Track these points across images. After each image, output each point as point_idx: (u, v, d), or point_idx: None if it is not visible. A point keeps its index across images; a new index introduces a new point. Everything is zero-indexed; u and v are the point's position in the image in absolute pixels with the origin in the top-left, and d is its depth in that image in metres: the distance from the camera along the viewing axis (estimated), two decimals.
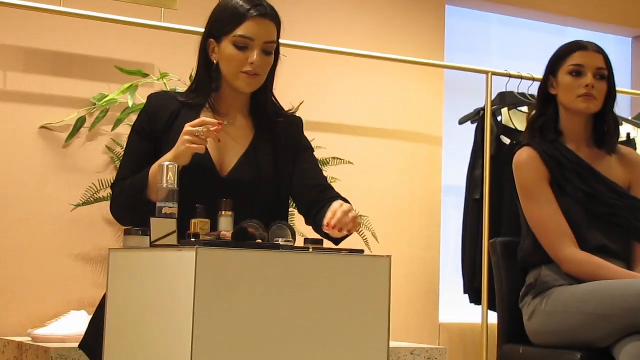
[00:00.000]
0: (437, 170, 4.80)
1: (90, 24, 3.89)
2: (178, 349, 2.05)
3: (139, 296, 2.26)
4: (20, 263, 3.83)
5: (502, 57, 5.17)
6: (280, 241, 2.23)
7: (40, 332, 3.56)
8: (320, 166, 2.82)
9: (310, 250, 2.21)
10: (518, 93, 4.54)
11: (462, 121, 4.64)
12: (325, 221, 2.35)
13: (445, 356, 4.02)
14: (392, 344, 3.39)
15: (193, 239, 2.17)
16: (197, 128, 2.44)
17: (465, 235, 4.51)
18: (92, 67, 4.01)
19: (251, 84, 2.62)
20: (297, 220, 2.94)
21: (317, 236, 2.39)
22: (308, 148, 2.77)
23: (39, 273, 3.86)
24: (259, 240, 2.21)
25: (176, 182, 2.28)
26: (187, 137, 2.44)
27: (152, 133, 2.63)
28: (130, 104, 3.80)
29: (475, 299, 4.44)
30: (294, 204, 2.77)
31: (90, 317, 2.76)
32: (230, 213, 2.33)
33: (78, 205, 3.83)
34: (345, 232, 2.38)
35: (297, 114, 2.82)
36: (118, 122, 3.87)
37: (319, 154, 3.11)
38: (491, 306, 4.25)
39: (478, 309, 4.42)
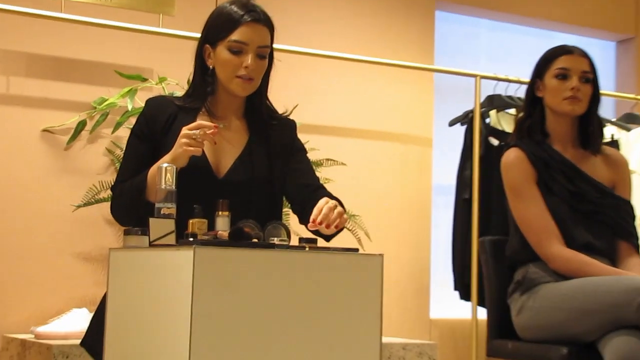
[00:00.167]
0: (428, 170, 4.81)
1: (91, 29, 3.89)
2: (176, 345, 2.05)
3: (139, 294, 2.26)
4: (23, 262, 3.83)
5: (490, 61, 5.18)
6: (276, 240, 2.24)
7: (42, 329, 3.55)
8: (313, 167, 2.82)
9: (306, 249, 2.21)
10: (506, 96, 4.55)
11: (451, 123, 4.64)
12: (312, 217, 2.35)
13: (436, 351, 4.02)
14: (385, 340, 3.39)
15: (191, 239, 2.17)
16: (194, 131, 2.44)
17: (455, 233, 4.52)
18: (92, 72, 4.01)
19: (246, 88, 2.62)
20: (292, 219, 2.94)
21: (312, 235, 2.39)
22: (301, 149, 2.77)
23: (41, 272, 3.85)
24: (255, 240, 2.21)
25: (174, 184, 2.28)
26: (184, 140, 2.44)
27: (150, 136, 2.63)
28: (130, 107, 3.80)
29: (465, 295, 4.45)
30: (289, 204, 2.78)
31: (92, 314, 2.76)
32: (227, 213, 2.33)
33: (79, 206, 3.82)
34: (332, 229, 2.38)
35: (291, 117, 2.83)
36: (118, 125, 3.87)
37: (312, 156, 3.11)
38: (480, 302, 4.25)
39: (468, 305, 4.43)
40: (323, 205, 2.36)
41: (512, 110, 4.54)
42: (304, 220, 2.64)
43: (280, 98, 2.88)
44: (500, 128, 4.50)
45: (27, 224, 3.84)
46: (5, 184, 3.82)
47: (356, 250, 2.27)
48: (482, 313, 3.71)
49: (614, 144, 4.50)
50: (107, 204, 2.87)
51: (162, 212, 2.25)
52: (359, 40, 4.65)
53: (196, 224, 2.25)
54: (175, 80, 3.89)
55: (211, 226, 2.30)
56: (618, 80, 5.63)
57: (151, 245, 2.22)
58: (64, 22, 3.79)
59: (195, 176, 2.50)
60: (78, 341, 2.80)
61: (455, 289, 4.49)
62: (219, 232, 2.27)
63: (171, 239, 2.21)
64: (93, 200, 3.82)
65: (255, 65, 2.59)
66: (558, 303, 2.99)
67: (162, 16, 3.94)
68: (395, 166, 4.71)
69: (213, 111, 2.67)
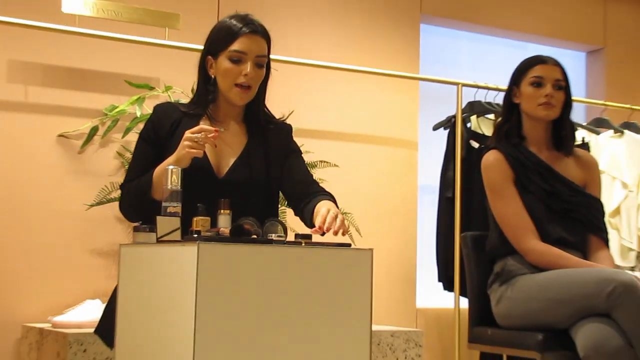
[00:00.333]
0: (414, 171, 4.80)
1: (102, 42, 3.88)
2: (182, 332, 2.04)
3: (147, 286, 2.26)
4: (41, 257, 3.82)
5: (471, 70, 5.17)
6: (273, 236, 2.23)
7: (59, 319, 3.54)
8: (307, 167, 2.82)
9: (302, 244, 2.21)
10: (485, 102, 4.54)
11: (435, 127, 4.64)
12: (317, 225, 2.34)
13: (422, 338, 4.02)
14: (374, 327, 3.39)
15: (195, 235, 2.17)
16: (196, 135, 2.44)
17: (439, 229, 4.51)
18: (104, 81, 4.00)
19: (243, 98, 2.62)
20: (289, 217, 2.93)
21: (307, 231, 2.39)
22: (296, 151, 2.77)
23: (57, 266, 3.84)
24: (254, 236, 2.21)
25: (180, 184, 2.27)
26: (186, 143, 2.44)
27: (156, 140, 2.62)
28: (138, 114, 3.79)
29: (449, 286, 4.44)
30: (285, 200, 2.77)
31: (104, 305, 2.75)
32: (228, 211, 2.33)
33: (92, 205, 3.81)
34: (335, 234, 2.37)
35: (287, 122, 2.82)
36: (127, 130, 3.86)
37: (307, 158, 3.09)
38: (462, 293, 4.25)
39: (451, 295, 4.42)
40: (326, 214, 2.35)
41: (491, 116, 4.53)
42: (298, 212, 2.64)
43: (277, 104, 2.88)
44: (480, 132, 4.50)
45: (44, 222, 3.83)
46: (24, 185, 3.81)
47: (348, 245, 2.27)
48: (464, 303, 3.70)
49: (585, 146, 4.50)
50: (118, 203, 2.86)
51: (168, 210, 2.24)
52: (351, 51, 4.65)
53: (200, 222, 2.24)
54: (181, 88, 3.89)
55: (214, 223, 2.30)
56: (588, 88, 5.64)
57: (158, 241, 2.22)
58: (78, 36, 3.78)
59: (198, 176, 2.49)
60: (92, 330, 2.80)
61: (440, 280, 4.49)
62: (221, 229, 2.27)
63: (177, 236, 2.21)
64: (105, 200, 3.81)
65: (254, 74, 2.59)
66: (534, 293, 2.99)
67: (168, 30, 3.94)
68: (384, 167, 4.71)
69: (214, 117, 2.66)
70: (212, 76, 2.64)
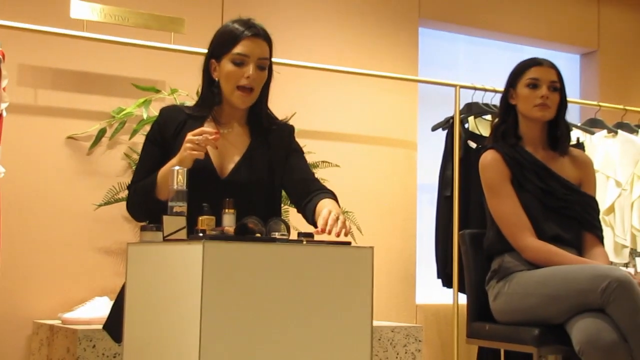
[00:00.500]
0: (413, 171, 4.80)
1: (110, 47, 3.88)
2: (188, 328, 2.04)
3: (154, 284, 2.25)
4: (51, 256, 3.82)
5: (469, 72, 5.17)
6: (277, 235, 2.23)
7: (68, 315, 3.55)
8: (309, 165, 2.81)
9: (304, 242, 2.21)
10: (482, 103, 4.54)
11: (434, 128, 4.63)
12: (320, 227, 2.33)
13: (421, 333, 4.02)
14: (375, 323, 3.38)
15: (200, 234, 2.17)
16: (197, 137, 2.44)
17: (438, 227, 4.51)
18: (111, 85, 4.00)
19: (245, 101, 2.62)
20: (291, 216, 2.93)
21: (309, 229, 2.38)
22: (298, 150, 2.76)
23: (67, 264, 3.85)
24: (258, 234, 2.21)
25: (185, 184, 2.27)
26: (188, 145, 2.43)
27: (162, 141, 2.62)
28: (145, 116, 3.79)
29: (447, 283, 4.44)
30: (287, 197, 2.77)
31: (112, 302, 2.75)
32: (232, 211, 2.33)
33: (100, 205, 3.82)
34: (337, 235, 2.36)
35: (290, 123, 2.82)
36: (134, 132, 3.86)
37: (309, 158, 3.09)
38: (461, 289, 4.25)
39: (449, 291, 4.42)
40: (327, 215, 2.35)
41: (488, 117, 4.53)
42: (300, 210, 2.63)
43: (280, 106, 2.87)
44: (478, 132, 4.50)
45: (53, 221, 3.83)
46: (34, 185, 3.81)
47: (349, 243, 2.27)
48: (463, 299, 3.70)
49: (580, 146, 4.50)
50: (125, 203, 2.86)
51: (174, 210, 2.24)
52: (352, 54, 4.65)
53: (205, 221, 2.24)
54: (186, 91, 3.89)
55: (218, 222, 2.29)
56: (582, 89, 5.64)
57: (165, 240, 2.22)
58: (86, 41, 3.78)
59: (201, 177, 2.49)
60: (100, 326, 2.80)
61: (439, 277, 4.48)
62: (226, 227, 2.26)
63: (183, 234, 2.21)
64: (112, 200, 3.81)
65: (256, 76, 2.59)
66: (530, 289, 2.99)
67: (174, 34, 3.93)
68: (384, 167, 4.70)
69: (218, 119, 2.66)
70: (216, 79, 2.63)
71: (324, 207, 2.41)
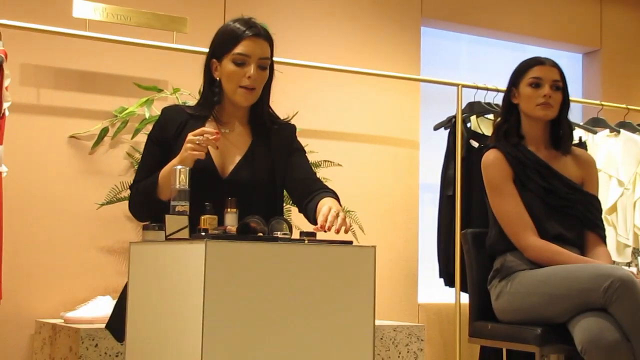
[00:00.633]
0: (415, 170, 4.80)
1: (112, 46, 3.88)
2: (190, 327, 2.04)
3: (156, 283, 2.25)
4: (53, 254, 3.82)
5: (471, 72, 5.16)
6: (279, 234, 2.23)
7: (71, 314, 3.55)
8: (310, 165, 2.81)
9: (306, 242, 2.21)
10: (485, 103, 4.54)
11: (436, 127, 4.63)
12: (319, 223, 2.33)
13: (423, 332, 4.02)
14: (377, 322, 3.38)
15: (203, 233, 2.17)
16: (198, 137, 2.44)
17: (440, 226, 4.50)
18: (113, 84, 4.00)
19: (248, 98, 2.61)
20: (293, 215, 2.93)
21: (311, 228, 2.38)
22: (300, 149, 2.76)
23: (69, 263, 3.85)
24: (260, 234, 2.21)
25: (187, 184, 2.27)
26: (189, 145, 2.44)
27: (163, 141, 2.62)
28: (147, 115, 3.79)
29: (449, 282, 4.44)
30: (289, 197, 2.76)
31: (115, 301, 2.75)
32: (235, 210, 2.33)
33: (102, 204, 3.82)
34: (337, 232, 2.36)
35: (292, 122, 2.81)
36: (136, 132, 3.86)
37: (311, 157, 3.09)
38: (463, 288, 4.24)
39: (452, 290, 4.42)
40: (327, 213, 2.34)
41: (491, 116, 4.53)
42: (302, 209, 2.63)
43: (282, 106, 2.87)
44: (480, 132, 4.49)
45: (56, 220, 3.84)
46: (36, 185, 3.81)
47: (350, 242, 2.27)
48: (465, 298, 3.70)
49: (582, 145, 4.49)
50: (127, 203, 2.86)
51: (176, 209, 2.24)
52: (354, 53, 4.65)
53: (207, 220, 2.24)
54: (188, 90, 3.89)
55: (220, 222, 2.29)
56: (585, 88, 5.63)
57: (167, 239, 2.22)
58: (88, 40, 3.77)
59: (202, 177, 2.49)
60: (103, 325, 2.80)
61: (441, 276, 4.48)
62: (228, 227, 2.26)
63: (185, 234, 2.21)
64: (115, 199, 3.81)
65: (257, 75, 2.59)
66: (533, 289, 2.98)
67: (176, 33, 3.93)
68: (386, 166, 4.70)
69: (220, 118, 2.66)
70: (217, 78, 2.63)
71: (325, 204, 2.41)
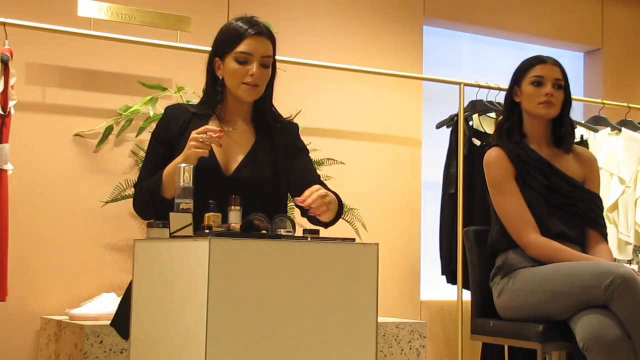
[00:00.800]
0: (417, 168, 4.79)
1: (116, 45, 3.88)
2: (195, 323, 2.04)
3: (161, 280, 2.25)
4: (58, 252, 3.82)
5: (473, 70, 5.16)
6: (282, 231, 2.23)
7: (76, 311, 3.55)
8: (314, 165, 2.81)
9: (309, 239, 2.21)
10: (487, 101, 4.53)
11: (438, 126, 4.63)
12: (302, 197, 2.33)
13: (425, 329, 4.02)
14: (380, 319, 3.38)
15: (207, 230, 2.17)
16: (201, 135, 2.43)
17: (442, 224, 4.50)
18: (118, 82, 4.00)
19: (251, 94, 2.61)
20: (296, 212, 2.92)
21: (314, 227, 2.38)
22: (303, 149, 2.76)
23: (74, 260, 3.85)
24: (264, 231, 2.21)
25: (191, 181, 2.27)
26: (192, 143, 2.43)
27: (167, 140, 2.62)
28: (151, 113, 3.79)
29: (452, 279, 4.44)
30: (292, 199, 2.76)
31: (119, 298, 2.75)
32: (238, 207, 2.32)
33: (107, 202, 3.82)
34: (320, 214, 2.35)
35: (295, 121, 2.81)
36: (141, 130, 3.87)
37: (314, 156, 3.09)
38: (465, 285, 4.24)
39: (454, 288, 4.42)
40: (315, 190, 2.34)
41: (493, 114, 4.52)
42: (305, 213, 2.62)
43: (285, 104, 2.87)
44: (482, 130, 4.49)
45: (61, 218, 3.84)
46: (41, 183, 3.81)
47: (353, 240, 2.26)
48: (467, 295, 3.70)
49: (584, 143, 4.49)
50: (132, 201, 2.86)
51: (180, 206, 2.24)
52: (357, 52, 4.64)
53: (211, 217, 2.24)
54: (192, 89, 3.89)
55: (224, 219, 2.29)
56: (586, 87, 5.62)
57: (171, 236, 2.22)
58: (93, 39, 3.78)
59: (206, 174, 2.49)
60: (108, 322, 2.80)
61: (443, 273, 4.48)
62: (232, 224, 2.26)
63: (189, 231, 2.21)
64: (119, 196, 3.81)
65: (260, 73, 2.59)
66: (534, 286, 2.98)
67: (180, 32, 3.93)
68: (389, 164, 4.70)
69: (223, 116, 2.66)
70: (220, 77, 2.63)
71: (317, 186, 2.40)
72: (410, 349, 3.94)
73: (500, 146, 3.18)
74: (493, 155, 3.17)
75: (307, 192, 2.34)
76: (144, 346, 2.30)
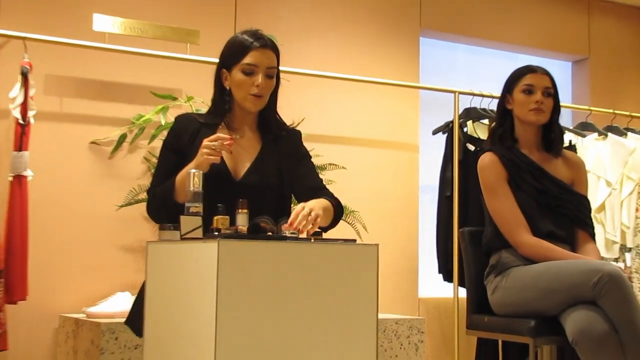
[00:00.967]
0: (415, 172, 4.79)
1: (130, 57, 3.89)
2: (204, 321, 2.04)
3: (172, 279, 2.25)
4: (76, 253, 3.82)
5: (467, 79, 5.16)
6: (287, 233, 2.23)
7: (92, 309, 3.55)
8: (316, 170, 2.81)
9: (312, 240, 2.21)
10: (480, 108, 4.53)
11: (434, 132, 4.63)
12: (289, 221, 2.29)
13: (423, 325, 4.01)
14: (380, 316, 3.38)
15: (215, 233, 2.17)
16: (213, 142, 2.43)
17: (439, 225, 4.50)
18: (131, 93, 4.00)
19: (257, 104, 2.62)
20: None
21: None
22: (306, 155, 2.76)
23: (91, 261, 3.85)
24: (270, 233, 2.21)
25: (201, 186, 2.27)
26: (204, 150, 2.43)
27: (178, 148, 2.62)
28: (163, 122, 3.80)
29: (448, 277, 4.43)
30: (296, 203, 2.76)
31: (134, 297, 2.75)
32: (245, 211, 2.32)
33: (121, 206, 3.82)
34: (309, 232, 2.33)
35: (299, 128, 2.81)
36: (153, 137, 3.87)
37: (317, 161, 3.09)
38: (461, 283, 4.24)
39: (450, 286, 4.41)
40: (299, 211, 2.31)
41: (486, 121, 4.52)
42: None
43: (289, 112, 2.87)
44: (476, 136, 4.49)
45: (78, 221, 3.84)
46: (59, 188, 3.82)
47: (354, 240, 2.26)
48: (463, 292, 3.69)
49: (572, 148, 4.48)
50: (145, 204, 2.86)
51: (190, 210, 2.24)
52: (357, 63, 4.65)
53: (220, 220, 2.24)
54: (201, 98, 3.89)
55: (232, 222, 2.29)
56: (574, 94, 5.62)
57: (182, 238, 2.22)
58: (108, 52, 3.79)
59: (217, 179, 2.49)
60: (123, 319, 2.80)
61: (440, 272, 4.48)
62: (239, 227, 2.26)
63: (199, 233, 2.21)
64: (133, 201, 3.81)
65: (265, 84, 2.59)
66: (527, 283, 2.98)
67: (189, 45, 3.94)
68: (388, 169, 4.70)
69: (230, 125, 2.66)
70: (227, 87, 2.63)
71: (304, 203, 2.37)
72: (409, 344, 3.93)
73: (493, 151, 3.18)
74: (487, 160, 3.17)
75: (292, 216, 2.30)
76: (157, 342, 2.30)
